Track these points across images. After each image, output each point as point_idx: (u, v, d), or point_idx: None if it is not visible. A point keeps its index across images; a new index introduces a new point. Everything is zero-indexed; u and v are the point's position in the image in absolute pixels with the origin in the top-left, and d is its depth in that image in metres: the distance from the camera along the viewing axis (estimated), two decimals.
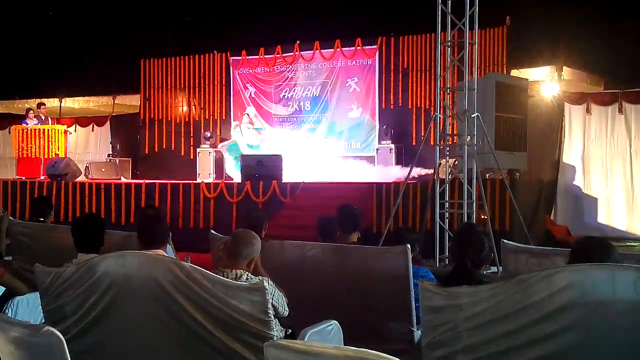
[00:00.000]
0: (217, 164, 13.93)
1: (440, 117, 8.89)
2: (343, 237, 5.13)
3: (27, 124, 14.11)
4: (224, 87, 14.95)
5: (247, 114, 14.04)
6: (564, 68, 12.12)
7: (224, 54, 14.92)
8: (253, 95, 14.66)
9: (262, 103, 14.54)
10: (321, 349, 2.17)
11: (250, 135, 13.78)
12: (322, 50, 13.90)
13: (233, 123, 14.39)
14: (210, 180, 12.74)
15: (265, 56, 14.43)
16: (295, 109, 14.29)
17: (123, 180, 13.41)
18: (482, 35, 11.65)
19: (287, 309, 3.63)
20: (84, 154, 16.32)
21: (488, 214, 8.66)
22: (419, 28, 12.77)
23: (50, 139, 13.93)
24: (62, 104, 16.87)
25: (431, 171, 9.17)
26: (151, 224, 4.17)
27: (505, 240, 4.65)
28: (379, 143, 13.04)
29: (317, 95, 14.06)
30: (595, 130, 11.86)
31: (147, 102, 15.69)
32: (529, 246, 5.05)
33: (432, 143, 9.18)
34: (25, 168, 13.97)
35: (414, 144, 12.76)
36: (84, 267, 3.64)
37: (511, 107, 10.00)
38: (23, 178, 13.43)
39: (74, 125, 16.49)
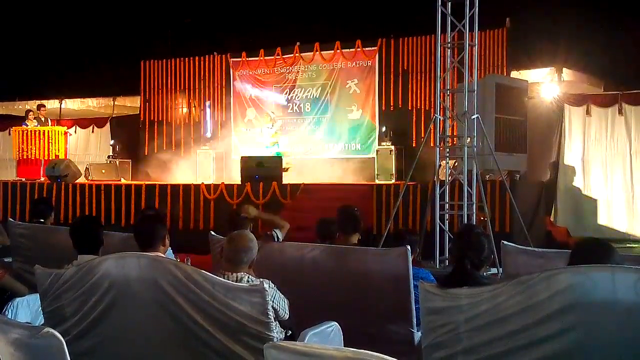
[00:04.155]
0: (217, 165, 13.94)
1: (440, 119, 8.89)
2: (343, 239, 5.13)
3: (26, 125, 14.12)
4: (224, 89, 14.96)
5: (268, 114, 13.71)
6: (564, 69, 12.12)
7: (224, 56, 14.93)
8: (253, 97, 14.67)
9: (262, 104, 14.54)
10: (321, 350, 2.16)
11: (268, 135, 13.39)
12: (322, 52, 13.90)
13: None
14: (211, 181, 12.73)
15: (265, 57, 14.44)
16: (296, 110, 14.29)
17: (123, 181, 13.41)
18: (482, 37, 11.65)
19: (287, 312, 3.63)
20: (84, 156, 16.33)
21: (488, 215, 8.65)
22: (419, 29, 12.78)
23: (50, 141, 13.93)
24: (62, 106, 16.86)
25: None
26: (142, 226, 4.18)
27: (506, 242, 4.64)
28: (379, 144, 13.03)
29: (317, 96, 14.06)
30: (595, 132, 11.86)
31: (147, 103, 15.70)
32: (529, 247, 5.05)
33: (432, 144, 9.17)
34: (25, 169, 13.97)
35: (414, 145, 12.76)
36: (83, 269, 3.65)
37: (511, 109, 10.01)
38: (23, 179, 13.43)
39: (74, 127, 16.50)
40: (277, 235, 5.23)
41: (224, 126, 14.81)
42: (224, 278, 3.49)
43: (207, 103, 14.47)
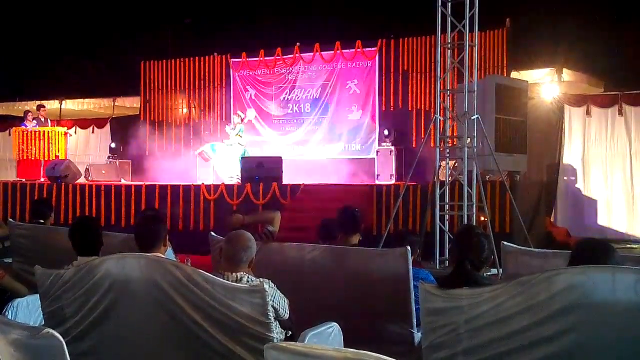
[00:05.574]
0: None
1: (440, 119, 8.89)
2: (344, 239, 5.13)
3: (25, 126, 14.12)
4: (224, 89, 14.96)
5: (239, 115, 13.77)
6: (564, 70, 12.13)
7: (224, 56, 14.93)
8: (253, 97, 14.68)
9: (262, 105, 14.55)
10: (321, 351, 2.16)
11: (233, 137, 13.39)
12: (322, 52, 13.91)
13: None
14: (211, 182, 12.72)
15: (266, 58, 14.45)
16: (295, 111, 14.30)
17: (123, 182, 13.41)
18: (482, 37, 11.66)
19: (287, 311, 3.62)
20: (84, 156, 16.33)
21: (488, 215, 8.66)
22: (419, 30, 12.81)
23: (50, 141, 13.94)
24: (62, 106, 16.86)
25: None
26: (142, 226, 4.16)
27: (506, 242, 4.64)
28: (379, 145, 13.04)
29: (317, 97, 14.07)
30: (595, 132, 11.88)
31: (147, 104, 15.70)
32: (529, 248, 5.05)
33: (432, 145, 9.18)
34: (25, 170, 13.97)
35: (413, 146, 12.77)
36: (84, 269, 3.64)
37: (511, 109, 10.01)
38: (23, 180, 13.43)
39: (74, 127, 16.49)
40: (270, 230, 5.20)
41: (224, 127, 14.79)
42: (223, 278, 3.49)
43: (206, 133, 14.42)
